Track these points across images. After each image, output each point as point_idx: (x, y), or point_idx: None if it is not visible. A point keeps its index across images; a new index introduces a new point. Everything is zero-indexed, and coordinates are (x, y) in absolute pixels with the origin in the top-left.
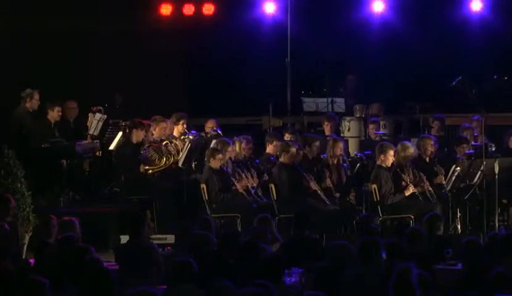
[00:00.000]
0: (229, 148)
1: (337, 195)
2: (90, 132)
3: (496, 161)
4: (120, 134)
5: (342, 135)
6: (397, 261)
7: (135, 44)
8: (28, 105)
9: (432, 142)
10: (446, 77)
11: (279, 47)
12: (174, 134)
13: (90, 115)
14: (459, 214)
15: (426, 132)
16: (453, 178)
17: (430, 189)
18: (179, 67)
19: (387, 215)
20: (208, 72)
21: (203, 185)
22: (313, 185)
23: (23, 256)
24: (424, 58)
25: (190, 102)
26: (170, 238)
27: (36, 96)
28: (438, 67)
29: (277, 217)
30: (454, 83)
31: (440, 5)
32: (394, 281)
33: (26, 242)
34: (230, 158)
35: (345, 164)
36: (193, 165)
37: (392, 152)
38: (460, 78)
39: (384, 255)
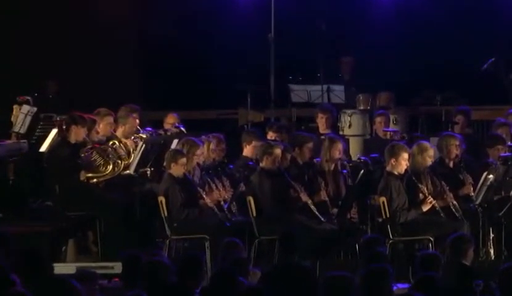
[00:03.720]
0: (198, 151)
1: (335, 210)
2: (16, 129)
3: None
4: (54, 131)
5: (341, 133)
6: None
7: (72, 17)
8: None
9: (458, 143)
10: (474, 59)
11: (259, 19)
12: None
13: (15, 107)
14: (492, 235)
15: (450, 129)
16: (485, 189)
17: (455, 202)
18: (131, 47)
19: (399, 237)
20: (168, 53)
21: (161, 198)
22: (304, 198)
23: None
24: (447, 35)
25: (144, 90)
26: (118, 267)
27: None
28: (465, 46)
29: (257, 240)
30: (485, 66)
31: None
32: None
33: None
34: (198, 164)
35: (344, 171)
36: (148, 172)
37: (405, 155)
38: (493, 59)
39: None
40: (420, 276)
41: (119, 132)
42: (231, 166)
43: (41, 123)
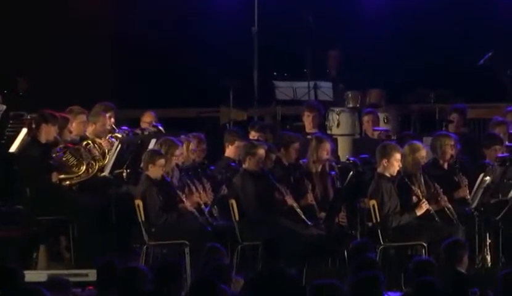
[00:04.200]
0: (177, 152)
1: (322, 214)
2: None
3: None
4: (24, 130)
5: (328, 132)
6: None
7: (46, 13)
8: None
9: (452, 142)
10: (470, 54)
11: (242, 12)
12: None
13: None
14: (489, 240)
15: (444, 128)
16: (481, 191)
17: (450, 206)
18: (106, 42)
19: (390, 242)
20: (146, 48)
21: (138, 202)
22: (289, 201)
23: None
24: (441, 29)
25: (120, 87)
26: (92, 275)
27: None
28: (460, 41)
29: (240, 246)
30: (482, 61)
31: None
32: None
33: None
34: (177, 165)
35: (333, 173)
36: (124, 174)
37: (397, 156)
38: (490, 54)
39: None
40: (418, 281)
41: (89, 130)
42: (212, 168)
43: (11, 122)
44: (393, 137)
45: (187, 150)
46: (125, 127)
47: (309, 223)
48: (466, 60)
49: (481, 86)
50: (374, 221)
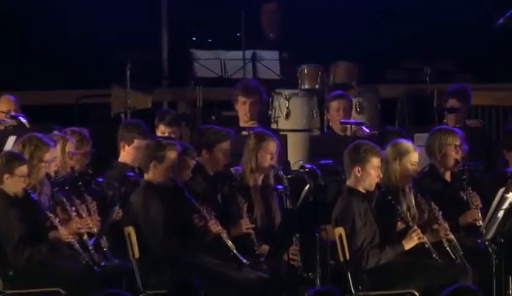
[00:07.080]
0: (48, 156)
1: (264, 248)
2: None
3: None
4: None
5: (274, 126)
6: None
7: None
8: None
9: (458, 142)
10: (481, 15)
11: None
12: None
13: None
14: None
15: (445, 120)
16: (500, 215)
17: (453, 237)
18: None
19: (365, 290)
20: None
21: None
22: (215, 229)
23: None
24: None
25: None
26: None
27: None
28: None
29: (141, 295)
30: (500, 21)
31: None
32: None
33: None
34: (48, 175)
35: (280, 187)
36: None
37: (376, 161)
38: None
39: None
40: None
41: None
42: (100, 180)
43: None
44: (377, 134)
45: (62, 154)
46: None
47: (244, 261)
48: (476, 20)
49: (499, 58)
50: (342, 258)
